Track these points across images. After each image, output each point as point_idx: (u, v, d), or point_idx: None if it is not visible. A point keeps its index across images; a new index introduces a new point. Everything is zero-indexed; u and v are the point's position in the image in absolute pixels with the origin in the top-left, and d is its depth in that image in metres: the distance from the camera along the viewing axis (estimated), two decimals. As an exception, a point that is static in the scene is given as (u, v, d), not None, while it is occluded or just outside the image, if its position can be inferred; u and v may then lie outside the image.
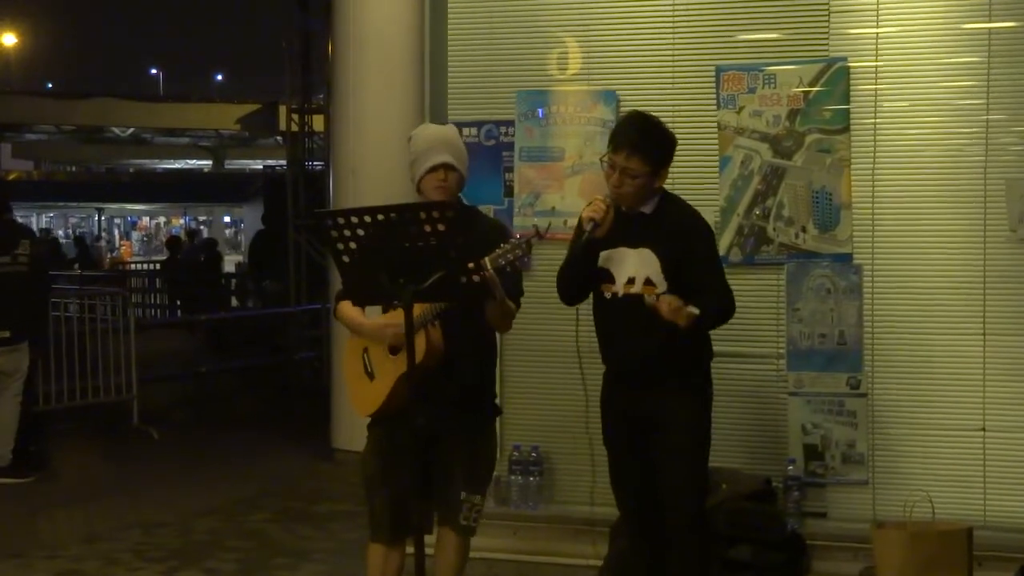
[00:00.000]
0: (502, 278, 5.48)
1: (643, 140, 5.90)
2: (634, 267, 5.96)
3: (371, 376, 5.95)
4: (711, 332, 6.13)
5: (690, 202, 6.28)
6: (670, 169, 6.03)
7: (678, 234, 5.91)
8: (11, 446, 11.29)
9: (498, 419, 6.41)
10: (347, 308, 5.98)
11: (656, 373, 5.93)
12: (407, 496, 5.64)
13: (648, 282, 5.93)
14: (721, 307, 5.92)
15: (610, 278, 6.03)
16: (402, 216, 5.04)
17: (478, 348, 5.96)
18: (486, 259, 5.34)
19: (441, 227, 4.98)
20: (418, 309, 5.41)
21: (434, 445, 5.90)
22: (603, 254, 6.03)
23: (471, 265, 5.15)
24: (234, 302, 27.46)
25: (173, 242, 31.35)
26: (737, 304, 6.02)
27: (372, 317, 5.97)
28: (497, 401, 6.37)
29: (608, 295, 6.04)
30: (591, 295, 6.18)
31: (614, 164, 5.90)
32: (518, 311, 5.91)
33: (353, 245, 5.10)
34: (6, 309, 11.06)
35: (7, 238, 11.30)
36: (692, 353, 6.00)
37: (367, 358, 5.98)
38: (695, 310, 5.65)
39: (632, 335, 5.95)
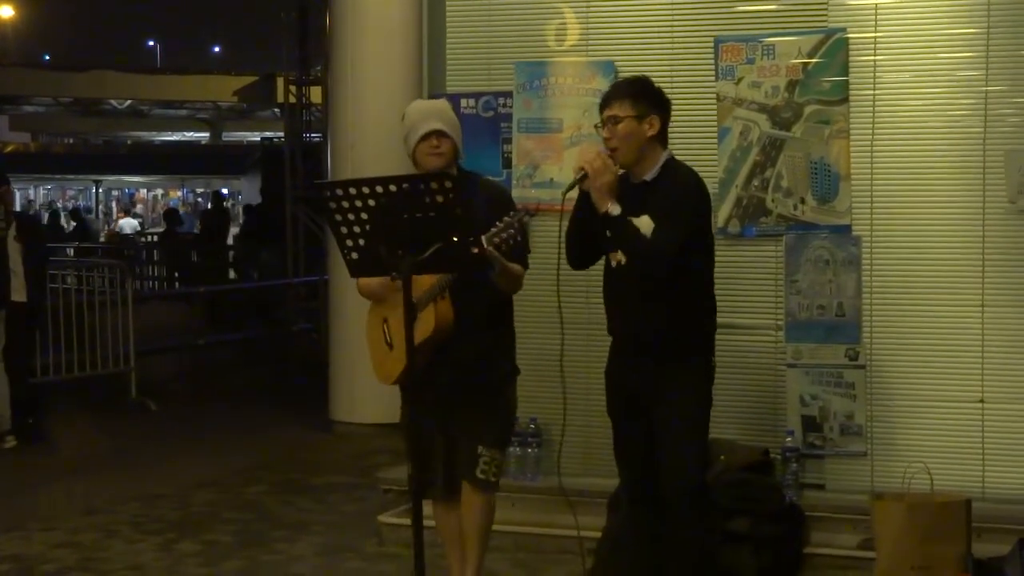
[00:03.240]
0: (504, 250, 5.53)
1: (622, 87, 6.12)
2: None
3: (390, 346, 6.00)
4: (715, 303, 6.15)
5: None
6: (671, 143, 6.03)
7: (669, 196, 5.90)
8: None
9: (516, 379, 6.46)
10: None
11: (658, 344, 5.93)
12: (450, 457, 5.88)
13: None
14: (644, 242, 5.79)
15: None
16: (401, 187, 5.05)
17: (490, 312, 6.00)
18: (483, 237, 5.38)
19: (440, 199, 4.99)
20: (428, 282, 5.46)
21: (451, 407, 5.98)
22: None
23: (474, 250, 5.19)
24: (232, 274, 27.46)
25: (171, 215, 31.34)
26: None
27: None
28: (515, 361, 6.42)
29: (614, 264, 6.05)
30: (603, 266, 6.19)
31: (604, 121, 6.01)
32: (527, 271, 6.00)
33: (352, 216, 5.12)
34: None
35: None
36: (695, 326, 6.01)
37: (387, 328, 6.03)
38: (615, 210, 5.75)
39: (635, 305, 5.96)
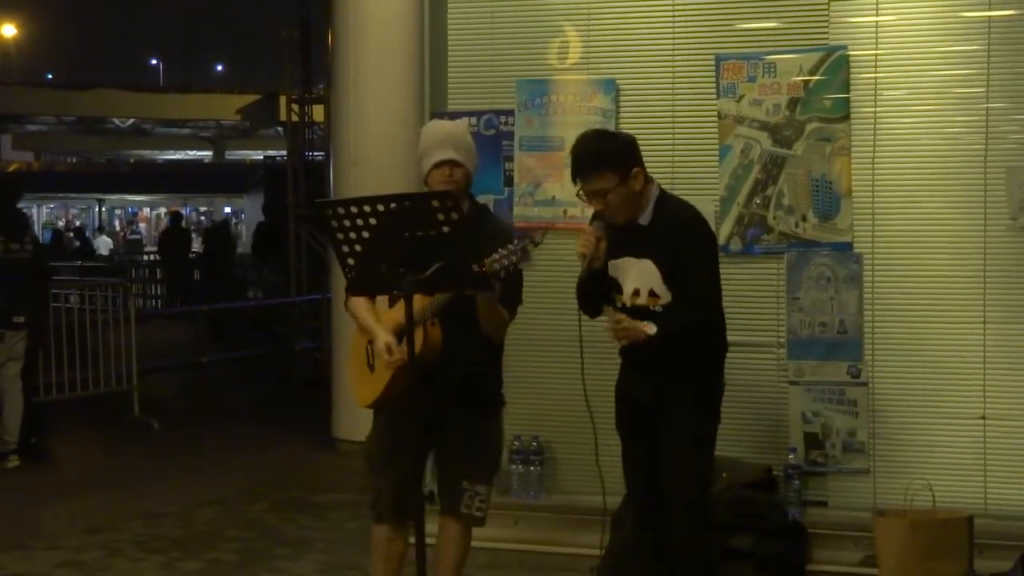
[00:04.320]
0: (499, 283, 5.50)
1: (591, 160, 5.92)
2: (638, 279, 5.97)
3: (372, 368, 5.97)
4: (724, 323, 6.16)
5: (690, 192, 6.31)
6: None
7: (671, 238, 5.90)
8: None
9: (503, 411, 6.41)
10: (359, 303, 5.99)
11: (668, 365, 5.92)
12: (406, 478, 5.67)
13: (652, 294, 5.94)
14: (687, 321, 5.88)
15: (619, 288, 6.04)
16: (403, 205, 5.05)
17: (480, 340, 5.96)
18: (484, 262, 5.35)
19: (441, 216, 4.99)
20: (417, 304, 5.43)
21: (436, 435, 5.93)
22: (611, 263, 6.05)
23: (475, 268, 5.17)
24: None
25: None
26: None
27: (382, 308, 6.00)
28: (502, 391, 6.37)
29: (619, 304, 6.05)
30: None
31: (586, 193, 5.94)
32: (512, 320, 5.95)
33: (354, 235, 5.11)
34: (22, 294, 11.24)
35: (20, 225, 11.54)
36: (705, 346, 6.01)
37: (370, 350, 6.00)
38: (650, 329, 5.74)
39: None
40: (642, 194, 5.96)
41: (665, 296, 5.92)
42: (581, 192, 5.97)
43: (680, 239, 5.90)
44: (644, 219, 5.97)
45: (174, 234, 29.43)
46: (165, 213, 63.36)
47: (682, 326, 5.87)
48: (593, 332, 6.24)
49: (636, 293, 5.98)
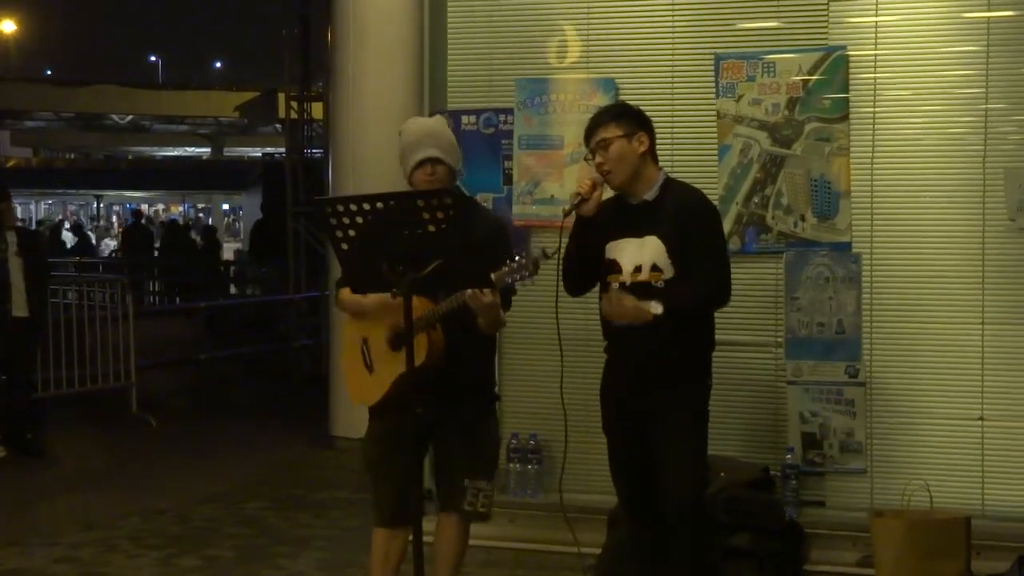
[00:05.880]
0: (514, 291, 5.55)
1: (604, 112, 6.15)
2: (638, 256, 5.94)
3: (370, 368, 5.96)
4: (714, 322, 6.13)
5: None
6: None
7: (680, 215, 5.90)
8: None
9: (497, 406, 6.41)
10: (349, 292, 5.98)
11: (656, 364, 5.92)
12: (407, 482, 5.66)
13: (655, 268, 5.90)
14: (700, 295, 5.89)
15: (617, 268, 6.02)
16: (401, 204, 5.05)
17: (478, 341, 5.96)
18: (492, 276, 5.37)
19: (440, 215, 4.99)
20: (421, 310, 5.43)
21: (434, 434, 5.93)
22: (609, 245, 6.04)
23: (471, 294, 5.20)
24: (233, 289, 27.50)
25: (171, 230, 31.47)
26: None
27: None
28: (496, 390, 6.37)
29: (615, 286, 6.03)
30: (599, 286, 6.16)
31: (593, 150, 6.03)
32: (506, 312, 5.96)
33: (352, 233, 5.10)
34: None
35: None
36: (693, 345, 6.00)
37: (366, 349, 5.98)
38: (656, 309, 5.72)
39: (634, 329, 5.94)
40: (646, 167, 6.01)
41: (668, 271, 5.88)
42: (588, 154, 6.08)
43: (690, 216, 5.91)
44: (650, 195, 5.99)
45: (136, 232, 29.80)
46: (162, 208, 63.59)
47: (694, 299, 5.88)
48: (587, 330, 6.24)
49: (637, 270, 5.94)
